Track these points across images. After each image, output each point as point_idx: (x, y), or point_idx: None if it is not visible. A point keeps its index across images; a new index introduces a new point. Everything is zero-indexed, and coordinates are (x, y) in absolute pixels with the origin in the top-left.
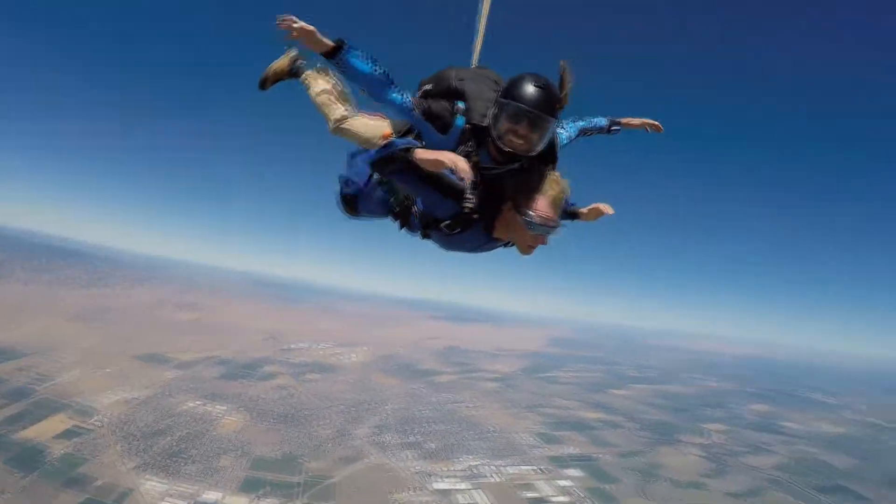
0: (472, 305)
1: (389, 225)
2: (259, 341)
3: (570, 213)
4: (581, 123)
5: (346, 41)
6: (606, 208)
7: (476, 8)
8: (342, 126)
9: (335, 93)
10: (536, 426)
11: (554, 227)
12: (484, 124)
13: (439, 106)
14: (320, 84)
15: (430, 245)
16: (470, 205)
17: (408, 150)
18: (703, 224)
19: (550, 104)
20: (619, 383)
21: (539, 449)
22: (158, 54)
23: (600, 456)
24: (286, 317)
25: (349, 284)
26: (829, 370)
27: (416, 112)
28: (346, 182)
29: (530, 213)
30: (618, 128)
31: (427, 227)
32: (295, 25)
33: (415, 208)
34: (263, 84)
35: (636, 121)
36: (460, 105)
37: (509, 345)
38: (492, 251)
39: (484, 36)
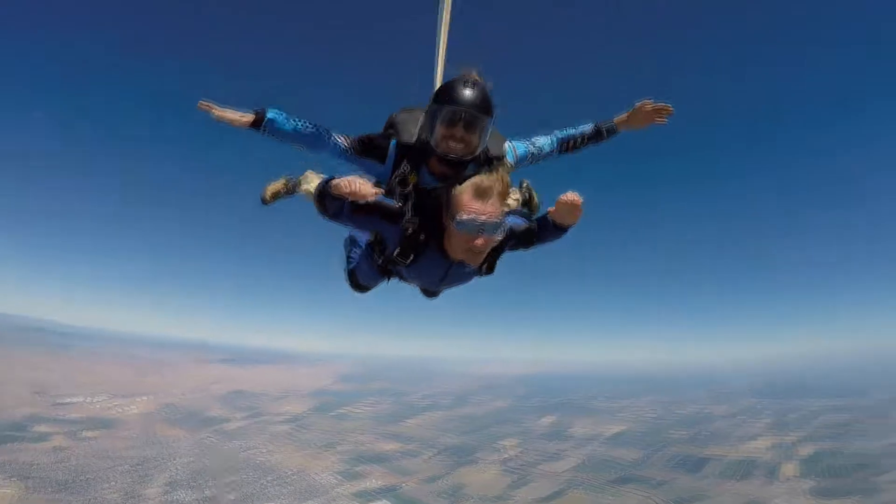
0: (252, 346)
1: (155, 265)
2: (26, 396)
3: (555, 226)
4: (559, 134)
5: (265, 110)
6: (572, 197)
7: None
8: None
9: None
10: (336, 464)
11: (486, 221)
12: (412, 142)
13: (369, 137)
14: (311, 181)
15: (199, 284)
16: (409, 224)
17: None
18: None
19: (484, 101)
20: (411, 413)
21: (342, 486)
22: None
23: (404, 485)
24: (55, 366)
25: (120, 328)
26: (601, 378)
27: (352, 152)
28: (347, 258)
29: (457, 211)
30: (610, 126)
31: (390, 263)
32: (214, 112)
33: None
34: (264, 202)
35: (628, 115)
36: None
37: (296, 384)
38: (468, 282)
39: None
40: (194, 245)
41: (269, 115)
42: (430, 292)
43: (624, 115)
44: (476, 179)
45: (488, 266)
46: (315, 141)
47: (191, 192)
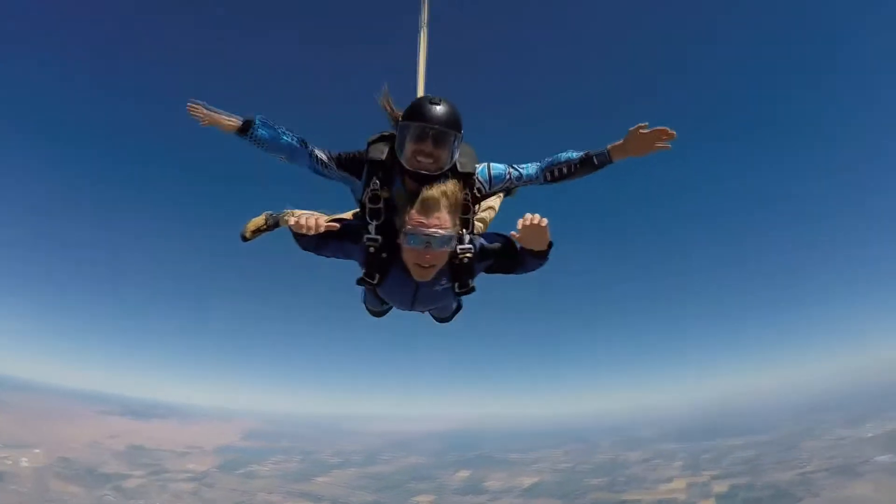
0: (152, 399)
1: (50, 307)
2: None
3: (529, 253)
4: (545, 162)
5: (255, 118)
6: (531, 218)
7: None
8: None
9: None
10: None
11: (431, 234)
12: (382, 158)
13: (347, 153)
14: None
15: (97, 331)
16: (371, 243)
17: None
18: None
19: (451, 117)
20: (321, 470)
21: None
22: None
23: None
24: None
25: (9, 372)
26: (513, 432)
27: (331, 166)
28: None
29: (404, 225)
30: (602, 155)
31: (360, 285)
32: (204, 112)
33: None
34: (244, 238)
35: (623, 142)
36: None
37: (199, 441)
38: (446, 302)
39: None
40: (93, 289)
41: (257, 121)
42: (439, 318)
43: (619, 142)
44: (423, 193)
45: (461, 284)
46: (296, 152)
47: (88, 231)
